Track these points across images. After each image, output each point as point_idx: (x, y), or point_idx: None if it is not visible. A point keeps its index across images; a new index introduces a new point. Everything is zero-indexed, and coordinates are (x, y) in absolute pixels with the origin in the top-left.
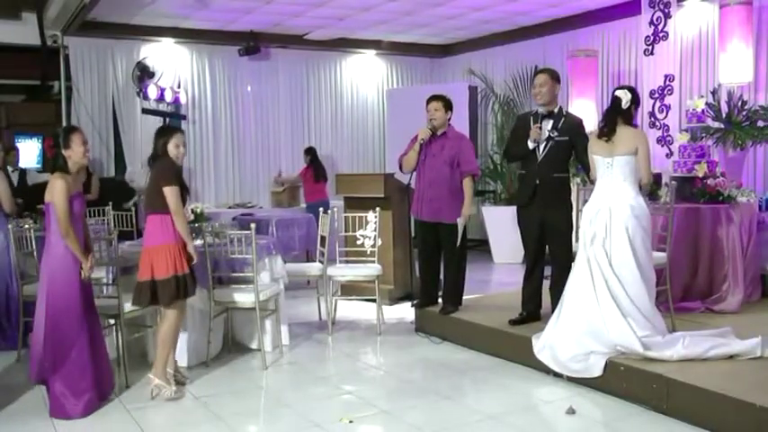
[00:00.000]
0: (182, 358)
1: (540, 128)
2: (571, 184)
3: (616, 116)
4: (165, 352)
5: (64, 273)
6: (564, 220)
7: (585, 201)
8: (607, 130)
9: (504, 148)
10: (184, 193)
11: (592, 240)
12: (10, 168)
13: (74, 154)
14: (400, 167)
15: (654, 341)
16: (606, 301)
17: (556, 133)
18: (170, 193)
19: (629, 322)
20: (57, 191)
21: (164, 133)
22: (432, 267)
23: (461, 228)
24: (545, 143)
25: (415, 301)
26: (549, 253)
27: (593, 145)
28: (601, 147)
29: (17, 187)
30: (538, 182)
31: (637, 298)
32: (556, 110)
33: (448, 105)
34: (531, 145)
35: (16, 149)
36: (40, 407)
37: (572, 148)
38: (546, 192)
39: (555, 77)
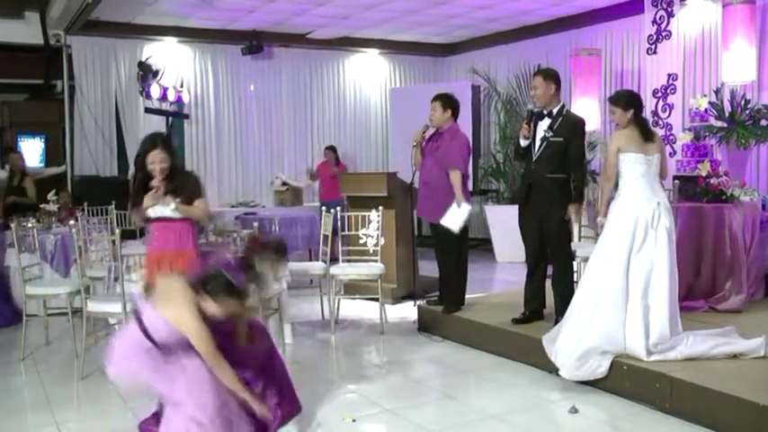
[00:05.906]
0: None
1: (529, 125)
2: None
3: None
4: None
5: None
6: (559, 221)
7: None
8: (648, 131)
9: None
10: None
11: (646, 240)
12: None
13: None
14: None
15: (659, 347)
16: (635, 304)
17: (551, 133)
18: None
19: (646, 328)
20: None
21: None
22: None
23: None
24: (540, 143)
25: (417, 301)
26: (549, 252)
27: (629, 144)
28: (639, 145)
29: (15, 186)
30: (531, 181)
31: (672, 294)
32: (555, 109)
33: (447, 104)
34: (522, 143)
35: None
36: (42, 405)
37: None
38: (540, 192)
39: (548, 77)
